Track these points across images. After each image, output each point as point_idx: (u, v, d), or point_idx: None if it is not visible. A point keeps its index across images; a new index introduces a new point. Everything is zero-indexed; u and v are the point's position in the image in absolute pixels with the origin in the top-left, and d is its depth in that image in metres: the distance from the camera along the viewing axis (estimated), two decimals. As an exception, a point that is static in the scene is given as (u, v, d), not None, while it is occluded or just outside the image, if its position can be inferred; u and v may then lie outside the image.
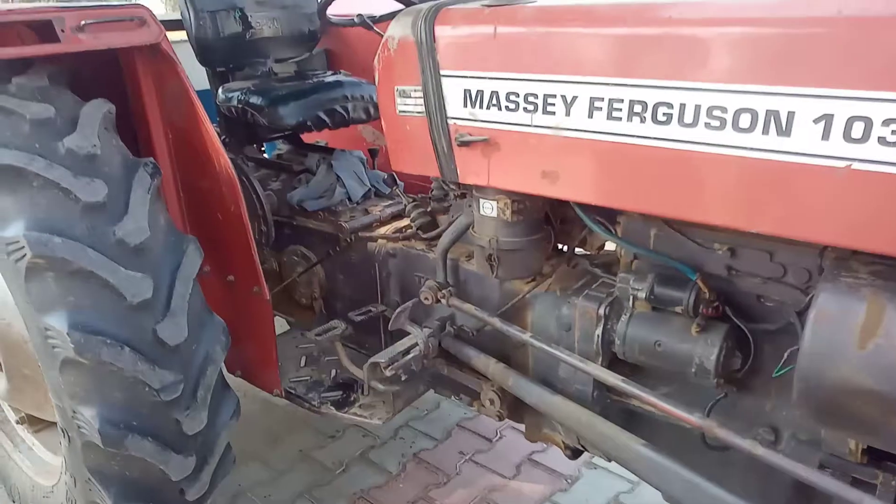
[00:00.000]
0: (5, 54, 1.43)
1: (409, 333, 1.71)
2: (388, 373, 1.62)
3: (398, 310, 1.71)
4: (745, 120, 1.04)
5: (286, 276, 2.32)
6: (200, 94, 2.39)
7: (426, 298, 1.73)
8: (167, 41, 1.69)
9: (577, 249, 1.71)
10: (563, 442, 1.72)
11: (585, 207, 1.41)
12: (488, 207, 1.49)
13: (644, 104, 1.14)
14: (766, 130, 1.03)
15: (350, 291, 2.17)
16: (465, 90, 1.38)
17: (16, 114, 1.51)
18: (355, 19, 1.74)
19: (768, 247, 1.25)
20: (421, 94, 1.44)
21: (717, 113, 1.07)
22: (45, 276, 1.46)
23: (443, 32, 1.39)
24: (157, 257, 1.59)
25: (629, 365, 1.48)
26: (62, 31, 1.52)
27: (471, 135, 1.39)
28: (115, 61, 1.82)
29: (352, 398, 1.96)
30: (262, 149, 2.65)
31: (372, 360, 1.65)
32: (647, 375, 1.51)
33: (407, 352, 1.65)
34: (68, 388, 1.53)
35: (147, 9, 1.66)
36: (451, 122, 1.42)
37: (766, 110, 1.02)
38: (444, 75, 1.40)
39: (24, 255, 1.43)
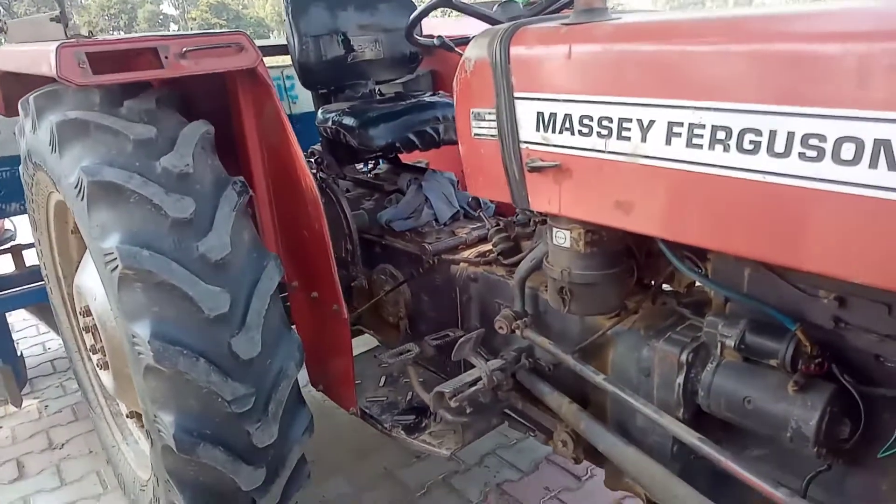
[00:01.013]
0: (108, 80, 1.55)
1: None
2: (452, 403, 1.56)
3: (462, 339, 1.65)
4: (847, 151, 0.88)
5: (375, 294, 2.33)
6: (308, 116, 2.49)
7: (501, 328, 1.66)
8: (263, 66, 1.76)
9: (665, 284, 1.56)
10: (646, 496, 1.57)
11: (669, 241, 1.27)
12: (561, 237, 1.39)
13: (728, 130, 1.00)
14: (873, 164, 0.86)
15: (433, 313, 2.13)
16: (537, 113, 1.29)
17: (122, 134, 1.62)
18: (435, 41, 1.71)
19: (886, 298, 1.05)
20: (494, 116, 1.37)
21: (814, 142, 0.91)
22: (134, 287, 1.54)
23: (518, 53, 1.32)
24: (236, 273, 1.64)
25: (721, 420, 1.31)
26: (166, 57, 1.62)
27: (542, 160, 1.30)
28: (221, 83, 1.92)
29: (423, 424, 1.91)
30: (364, 167, 2.69)
31: (437, 389, 1.60)
32: (741, 434, 1.33)
33: (473, 383, 1.58)
34: (150, 393, 1.61)
35: (245, 35, 1.73)
36: (523, 146, 1.35)
37: (875, 140, 0.85)
38: (517, 97, 1.33)
39: (117, 266, 1.53)
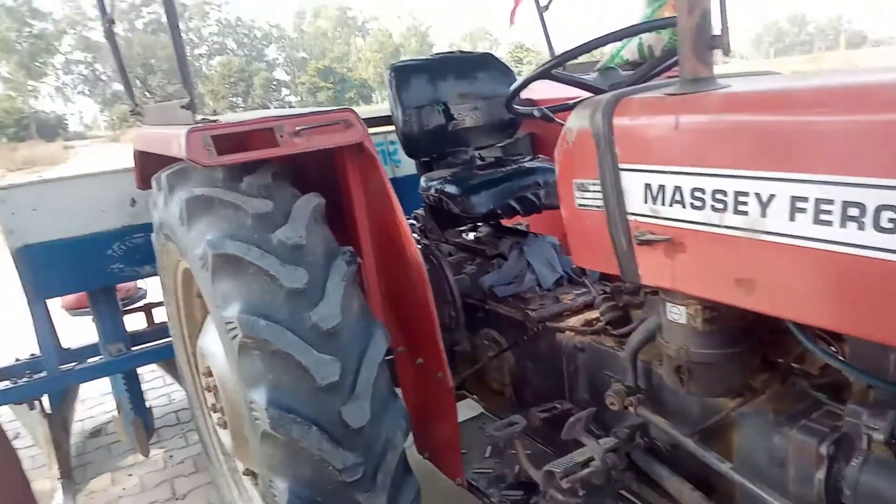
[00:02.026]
0: (230, 160, 1.67)
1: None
2: (564, 485, 1.49)
3: (572, 419, 1.59)
4: None
5: (478, 359, 2.31)
6: (410, 179, 2.56)
7: (612, 404, 1.58)
8: (370, 140, 1.83)
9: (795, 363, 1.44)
10: None
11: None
12: (675, 312, 1.33)
13: (862, 207, 0.92)
14: None
15: (538, 382, 2.09)
16: (645, 185, 1.26)
17: (242, 209, 1.73)
18: (535, 112, 1.72)
19: None
20: (599, 188, 1.35)
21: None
22: (252, 354, 1.62)
23: (622, 124, 1.30)
24: (346, 341, 1.68)
25: None
26: (281, 136, 1.73)
27: (652, 233, 1.26)
28: (329, 157, 2.02)
29: (532, 500, 1.84)
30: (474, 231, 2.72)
31: (547, 467, 1.54)
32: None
33: (585, 464, 1.51)
34: (266, 459, 1.66)
35: (353, 112, 1.83)
36: (630, 218, 1.31)
37: None
38: (622, 169, 1.30)
39: (237, 334, 1.61)
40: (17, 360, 3.36)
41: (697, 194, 1.15)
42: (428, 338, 1.90)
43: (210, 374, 2.18)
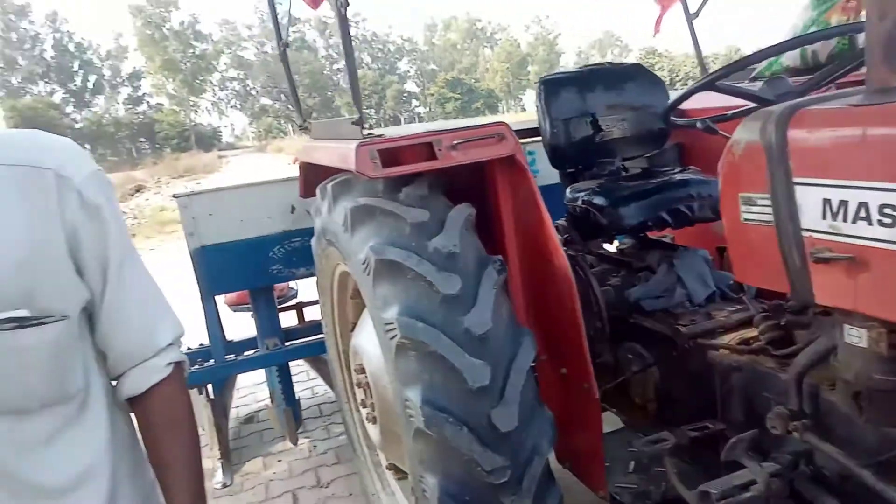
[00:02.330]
0: (394, 172, 1.78)
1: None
2: (720, 507, 1.45)
3: (734, 439, 1.53)
4: None
5: (621, 373, 2.28)
6: (552, 187, 2.59)
7: (774, 427, 1.51)
8: (521, 153, 1.88)
9: None
10: None
11: None
12: (855, 335, 1.25)
13: None
14: None
15: (686, 400, 2.02)
16: (823, 200, 1.20)
17: (401, 218, 1.84)
18: (698, 124, 1.68)
19: None
20: (769, 202, 1.30)
21: None
22: (409, 355, 1.71)
23: (797, 136, 1.25)
24: (496, 347, 1.73)
25: None
26: (440, 150, 1.82)
27: (831, 250, 1.20)
28: (479, 168, 2.09)
29: (679, 519, 1.80)
30: (610, 242, 2.70)
31: (702, 487, 1.50)
32: None
33: (745, 487, 1.46)
34: (418, 455, 1.75)
35: (506, 125, 1.88)
36: (804, 234, 1.25)
37: None
38: (797, 183, 1.25)
39: (396, 335, 1.71)
40: (189, 349, 3.76)
41: (887, 211, 1.09)
42: (574, 348, 1.91)
43: (362, 370, 2.32)
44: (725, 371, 1.80)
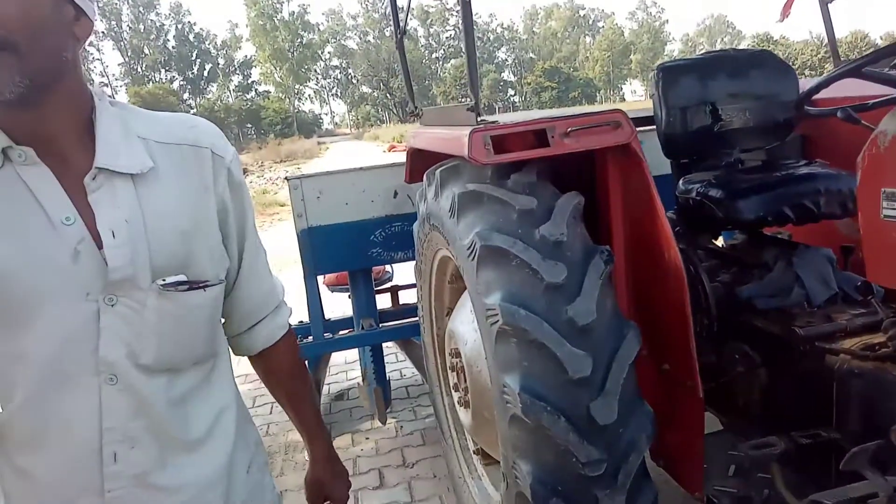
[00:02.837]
0: (507, 158, 1.78)
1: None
2: (834, 518, 1.37)
3: (856, 449, 1.44)
4: None
5: (724, 373, 2.19)
6: (660, 178, 2.51)
7: (901, 440, 1.41)
8: (637, 141, 1.84)
9: None
10: None
11: None
12: None
13: None
14: None
15: (796, 405, 1.92)
16: (981, 198, 1.10)
17: (508, 205, 1.84)
18: (839, 113, 1.57)
19: None
20: (915, 198, 1.21)
21: None
22: (510, 341, 1.72)
23: (956, 128, 1.15)
24: (599, 339, 1.70)
25: None
26: (552, 137, 1.81)
27: (985, 253, 1.10)
28: (589, 156, 2.06)
29: (784, 528, 1.71)
30: (715, 239, 2.59)
31: (814, 497, 1.43)
32: None
33: (862, 500, 1.37)
34: (512, 441, 1.76)
35: (622, 113, 1.84)
36: (957, 235, 1.15)
37: None
38: (950, 179, 1.15)
39: (497, 321, 1.72)
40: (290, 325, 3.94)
41: None
42: (679, 345, 1.85)
43: (457, 354, 2.35)
44: (845, 377, 1.69)
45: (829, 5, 2.53)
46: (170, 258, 1.03)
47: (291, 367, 1.36)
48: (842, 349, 1.74)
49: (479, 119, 1.93)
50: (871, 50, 1.49)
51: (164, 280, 1.02)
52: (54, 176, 0.97)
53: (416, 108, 2.75)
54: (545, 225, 1.79)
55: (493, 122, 1.86)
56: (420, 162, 2.56)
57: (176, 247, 1.04)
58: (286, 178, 3.26)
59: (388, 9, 2.81)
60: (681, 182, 2.28)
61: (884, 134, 1.28)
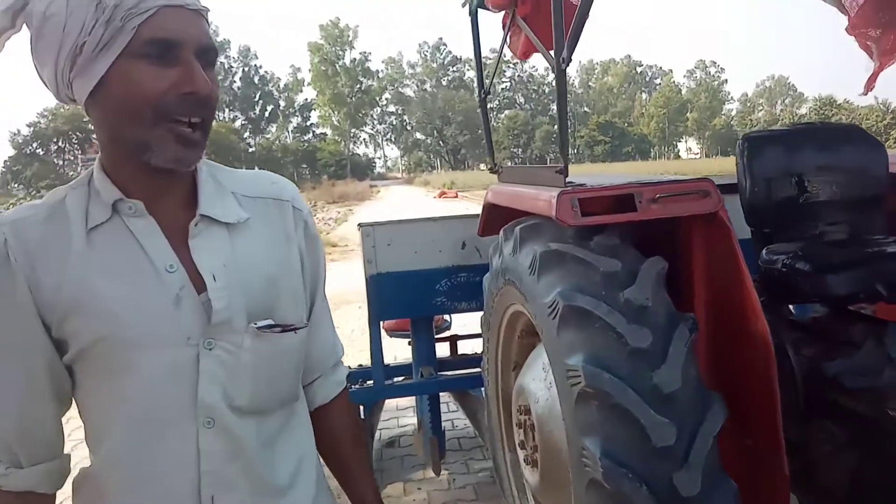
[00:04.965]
0: (593, 221, 1.80)
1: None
2: None
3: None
4: None
5: (807, 452, 2.11)
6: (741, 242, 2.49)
7: None
8: (724, 210, 1.84)
9: None
10: None
11: None
12: None
13: None
14: None
15: (887, 490, 1.83)
16: None
17: (592, 266, 1.85)
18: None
19: None
20: None
21: None
22: (591, 404, 1.70)
23: None
24: (683, 408, 1.67)
25: None
26: (640, 202, 1.83)
27: None
28: (670, 222, 2.06)
29: None
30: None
31: None
32: None
33: None
34: (589, 506, 1.72)
35: (711, 182, 1.85)
36: None
37: None
38: None
39: (579, 383, 1.71)
40: (349, 367, 3.97)
41: None
42: (765, 420, 1.80)
43: (526, 412, 2.33)
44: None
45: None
46: (259, 303, 1.09)
47: (348, 427, 1.34)
48: (940, 436, 1.67)
49: (566, 181, 1.96)
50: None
51: (255, 324, 1.07)
52: (159, 226, 1.04)
53: (495, 164, 2.81)
54: (630, 289, 1.79)
55: (580, 185, 1.90)
56: (496, 217, 2.60)
57: (264, 292, 1.10)
58: (359, 225, 3.34)
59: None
60: (764, 252, 2.25)
61: None
